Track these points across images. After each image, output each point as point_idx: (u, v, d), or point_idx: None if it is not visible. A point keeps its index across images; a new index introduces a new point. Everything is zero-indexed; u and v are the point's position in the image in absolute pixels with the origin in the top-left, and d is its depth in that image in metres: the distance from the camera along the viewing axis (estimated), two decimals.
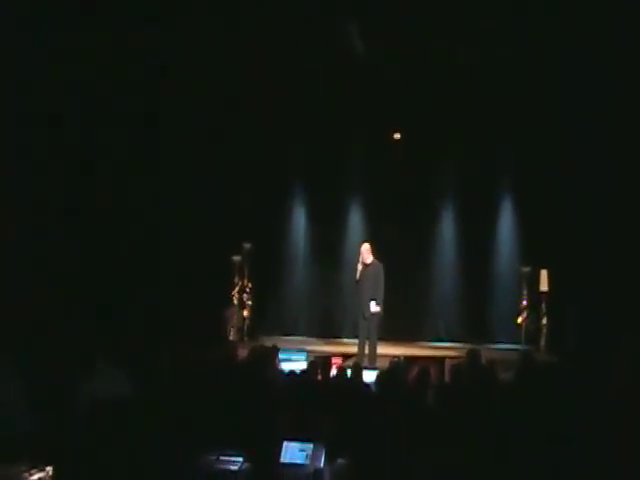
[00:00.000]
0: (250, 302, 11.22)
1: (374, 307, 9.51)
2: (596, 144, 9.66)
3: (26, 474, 2.94)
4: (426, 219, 11.80)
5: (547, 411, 4.44)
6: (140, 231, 9.69)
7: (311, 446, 4.19)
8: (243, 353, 7.24)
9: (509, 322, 11.09)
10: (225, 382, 5.45)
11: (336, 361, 7.81)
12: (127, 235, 9.48)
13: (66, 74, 8.58)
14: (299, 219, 12.05)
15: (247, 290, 11.19)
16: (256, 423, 4.53)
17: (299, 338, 11.29)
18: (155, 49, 9.51)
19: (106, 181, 9.34)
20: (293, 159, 11.71)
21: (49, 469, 3.10)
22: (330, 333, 11.47)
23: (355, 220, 11.96)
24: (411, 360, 8.21)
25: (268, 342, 8.73)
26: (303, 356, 8.48)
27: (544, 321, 10.69)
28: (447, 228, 11.85)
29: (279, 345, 7.74)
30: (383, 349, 9.78)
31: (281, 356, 7.45)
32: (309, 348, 9.69)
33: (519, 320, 10.92)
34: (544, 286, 10.66)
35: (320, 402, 5.20)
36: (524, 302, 10.92)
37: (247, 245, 11.06)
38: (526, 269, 10.95)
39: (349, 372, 6.70)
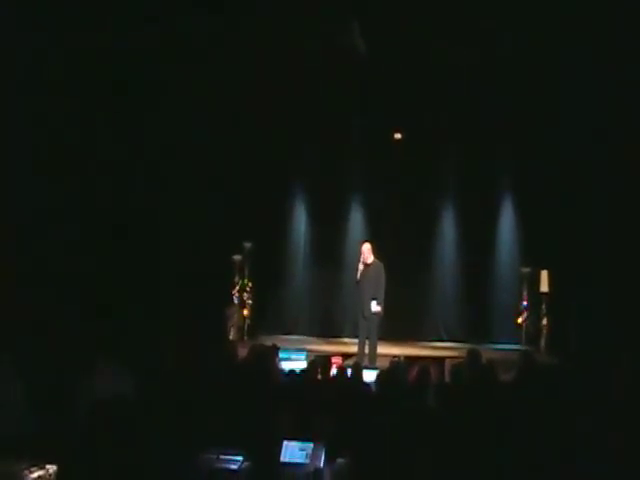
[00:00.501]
0: (250, 301, 11.22)
1: (375, 307, 9.51)
2: (596, 144, 9.66)
3: (26, 472, 2.94)
4: (427, 219, 11.80)
5: (547, 411, 4.44)
6: (140, 230, 9.69)
7: (311, 445, 4.19)
8: (243, 352, 7.24)
9: (509, 322, 11.11)
10: (225, 381, 5.45)
11: (336, 361, 7.81)
12: (127, 234, 9.47)
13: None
14: (300, 218, 12.05)
15: (247, 289, 11.19)
16: (256, 422, 4.52)
17: (299, 337, 11.29)
18: (153, 49, 9.50)
19: (106, 180, 9.34)
20: (294, 158, 11.70)
21: (49, 467, 3.10)
22: (330, 333, 11.47)
23: (356, 220, 11.97)
24: (411, 360, 8.20)
25: (268, 341, 8.72)
26: (303, 355, 8.48)
27: (544, 322, 10.69)
28: (448, 228, 11.86)
29: (279, 344, 7.74)
30: (383, 349, 9.79)
31: (281, 355, 7.45)
32: (309, 347, 9.70)
33: (519, 320, 10.94)
34: (544, 287, 10.67)
35: (320, 402, 5.20)
36: (524, 302, 10.94)
37: (248, 244, 11.07)
38: (526, 270, 10.96)
39: (349, 372, 6.70)
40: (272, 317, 11.60)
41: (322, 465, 4.08)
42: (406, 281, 11.18)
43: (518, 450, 3.89)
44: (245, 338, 10.95)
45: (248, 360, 6.54)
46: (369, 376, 6.45)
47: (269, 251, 11.46)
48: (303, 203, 12.01)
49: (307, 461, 4.11)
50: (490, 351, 9.64)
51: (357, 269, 9.70)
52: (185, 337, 7.76)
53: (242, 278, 11.13)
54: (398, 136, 11.48)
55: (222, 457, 4.03)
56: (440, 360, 9.04)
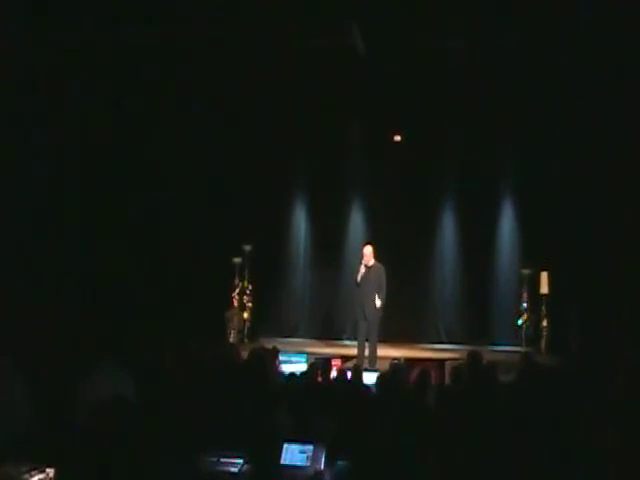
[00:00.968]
0: (250, 304, 11.21)
1: (378, 302, 9.50)
2: (597, 145, 9.66)
3: (26, 475, 2.93)
4: (427, 221, 11.79)
5: (548, 413, 4.43)
6: (141, 232, 9.69)
7: (311, 448, 4.18)
8: (243, 355, 7.23)
9: (509, 324, 11.09)
10: (225, 384, 5.44)
11: (336, 363, 7.81)
12: (128, 236, 9.48)
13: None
14: (299, 220, 12.04)
15: (247, 292, 11.19)
16: (256, 425, 4.52)
17: (299, 340, 11.28)
18: (155, 47, 9.50)
19: (106, 182, 9.34)
20: (293, 160, 11.70)
21: (49, 471, 3.10)
22: (330, 335, 11.46)
23: (356, 222, 11.96)
24: (412, 362, 8.21)
25: (268, 344, 8.71)
26: (303, 358, 8.48)
27: (544, 323, 10.68)
28: (448, 230, 11.84)
29: (279, 347, 7.74)
30: (383, 351, 9.78)
31: (281, 358, 7.45)
32: (309, 350, 9.69)
33: (519, 322, 10.92)
34: (544, 288, 10.66)
35: (320, 404, 5.20)
36: (524, 304, 10.93)
37: (247, 247, 11.06)
38: (526, 271, 10.95)
39: (349, 374, 6.69)
40: (272, 320, 11.58)
41: (323, 467, 4.07)
42: (406, 283, 11.17)
43: (519, 451, 3.89)
44: (245, 341, 10.94)
45: (248, 363, 6.53)
46: (369, 378, 6.45)
47: (269, 253, 11.46)
48: (303, 205, 12.00)
49: (308, 463, 4.10)
50: (490, 353, 9.62)
51: (358, 271, 9.69)
52: (185, 339, 7.76)
53: (242, 281, 11.12)
54: (398, 138, 11.47)
55: (222, 459, 4.03)
56: (440, 362, 9.04)
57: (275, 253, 11.74)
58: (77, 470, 2.99)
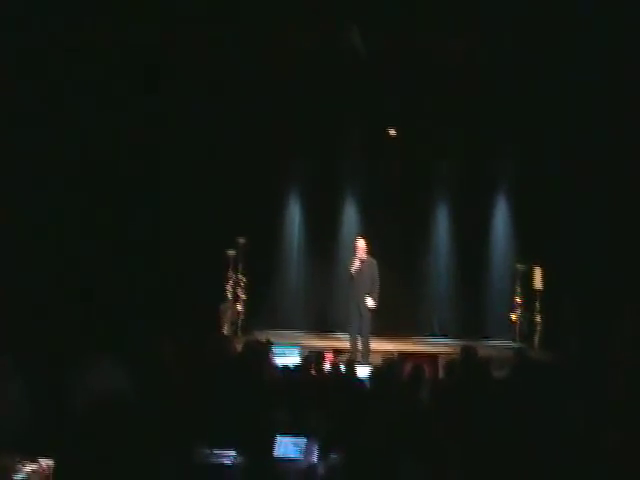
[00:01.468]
0: (244, 297, 11.21)
1: (370, 303, 9.52)
2: (593, 142, 9.67)
3: (19, 466, 2.93)
4: (421, 215, 11.79)
5: (541, 408, 4.44)
6: (135, 227, 9.67)
7: (305, 441, 4.19)
8: (237, 348, 7.22)
9: (503, 319, 11.12)
10: (219, 376, 5.44)
11: (328, 356, 7.81)
12: (123, 231, 9.46)
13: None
14: (293, 214, 12.02)
15: (241, 285, 11.18)
16: (250, 418, 4.52)
17: (292, 332, 11.28)
18: (153, 47, 9.48)
19: (104, 178, 9.33)
20: (288, 153, 11.67)
21: (43, 461, 3.09)
22: (323, 328, 11.47)
23: (349, 215, 11.95)
24: (405, 356, 8.22)
25: (262, 337, 8.71)
26: (297, 351, 8.48)
27: (538, 318, 10.71)
28: (442, 225, 11.85)
29: (273, 339, 7.73)
30: (377, 345, 9.79)
31: (275, 350, 7.44)
32: (302, 343, 9.70)
33: (513, 317, 10.95)
34: (538, 284, 10.69)
35: (314, 397, 5.20)
36: (518, 300, 10.95)
37: (241, 240, 11.05)
38: (521, 267, 10.98)
39: (342, 367, 6.69)
40: (266, 312, 11.58)
41: (316, 460, 4.08)
42: (400, 277, 11.19)
43: (511, 446, 3.89)
44: (239, 333, 10.94)
45: (242, 355, 6.53)
46: (363, 372, 6.46)
47: (263, 246, 11.45)
48: (297, 198, 11.98)
49: (301, 456, 4.11)
50: (484, 348, 9.63)
51: (352, 264, 9.69)
52: (180, 332, 7.75)
53: (236, 273, 11.12)
54: (393, 133, 11.46)
55: (215, 452, 4.03)
56: (434, 356, 9.06)
57: (269, 246, 11.73)
58: (76, 463, 2.99)
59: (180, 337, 6.68)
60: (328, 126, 11.32)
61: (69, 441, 3.10)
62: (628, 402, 4.29)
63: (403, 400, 5.15)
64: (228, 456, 4.01)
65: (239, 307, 11.15)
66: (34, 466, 3.00)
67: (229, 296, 11.01)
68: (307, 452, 4.13)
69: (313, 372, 6.44)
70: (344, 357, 8.25)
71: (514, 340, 10.79)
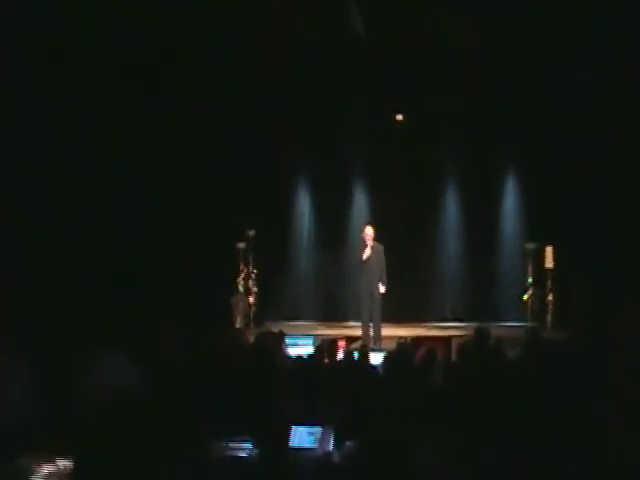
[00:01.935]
0: (255, 288, 11.24)
1: (382, 288, 9.55)
2: (600, 119, 9.61)
3: (36, 467, 2.94)
4: (430, 198, 11.79)
5: (554, 387, 4.44)
6: (145, 218, 9.68)
7: (320, 430, 4.20)
8: (250, 339, 7.25)
9: (515, 299, 11.10)
10: (233, 368, 5.46)
11: (341, 344, 7.82)
12: (131, 221, 9.47)
13: None
14: (302, 204, 12.03)
15: (252, 276, 11.20)
16: (264, 408, 4.53)
17: (305, 323, 11.30)
18: (152, 34, 9.47)
19: (106, 170, 9.34)
20: (295, 144, 11.64)
21: (60, 462, 3.10)
22: (334, 317, 11.48)
23: (359, 203, 11.94)
24: (418, 341, 8.22)
25: (274, 328, 8.74)
26: (310, 340, 8.49)
27: (550, 297, 10.68)
28: (451, 207, 11.83)
29: (285, 330, 7.75)
30: (390, 331, 9.81)
31: (288, 341, 7.46)
32: (315, 332, 9.72)
33: (525, 297, 10.92)
34: (549, 263, 10.65)
35: (328, 386, 5.22)
36: (529, 279, 10.92)
37: (251, 232, 11.06)
38: (531, 246, 10.94)
39: (356, 355, 6.70)
40: (278, 303, 11.60)
41: (331, 449, 4.09)
42: (410, 262, 11.20)
43: (525, 427, 3.89)
44: (251, 325, 10.97)
45: (255, 347, 6.56)
46: (376, 358, 6.46)
47: (273, 238, 11.46)
48: (305, 188, 11.99)
49: (316, 445, 4.12)
50: (496, 328, 9.61)
51: (362, 250, 9.69)
52: (191, 325, 7.78)
53: (247, 265, 11.14)
54: (399, 117, 11.42)
55: (231, 444, 4.05)
56: (447, 340, 9.05)
57: (279, 237, 11.74)
58: (93, 460, 3.01)
59: (191, 331, 6.71)
60: (334, 115, 11.29)
61: (84, 440, 3.13)
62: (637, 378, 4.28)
63: (417, 384, 5.15)
64: (243, 448, 4.03)
65: (251, 299, 11.18)
66: (52, 467, 3.00)
67: (240, 289, 11.04)
68: (322, 441, 4.14)
69: (326, 361, 6.46)
70: (357, 344, 8.26)
71: (526, 320, 10.77)
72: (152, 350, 5.47)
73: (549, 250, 10.64)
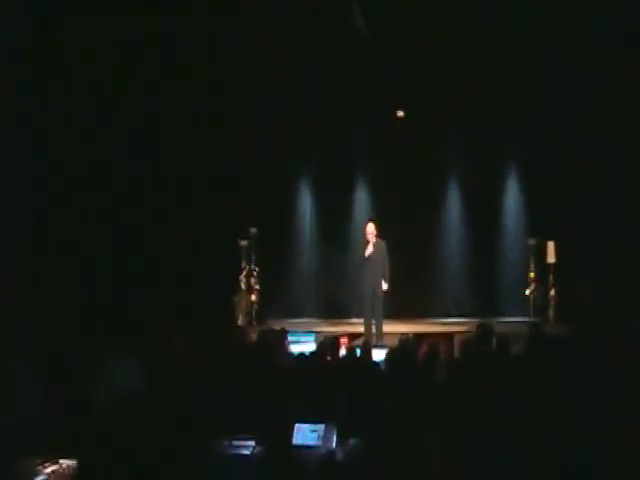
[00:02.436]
0: (258, 286, 11.24)
1: (385, 285, 9.57)
2: (601, 113, 9.60)
3: (40, 467, 2.96)
4: (432, 194, 11.77)
5: (556, 382, 4.44)
6: (146, 217, 9.68)
7: (323, 427, 4.21)
8: (252, 337, 7.25)
9: (517, 295, 11.10)
10: (235, 366, 5.47)
11: (343, 341, 7.82)
12: (133, 220, 9.48)
13: None
14: (304, 201, 12.02)
15: (254, 274, 11.21)
16: (267, 406, 4.54)
17: (307, 320, 11.30)
18: (155, 34, 9.47)
19: (107, 169, 9.34)
20: (297, 141, 11.63)
21: (63, 462, 3.12)
22: (337, 314, 11.47)
23: (361, 200, 11.94)
24: (420, 337, 8.21)
25: (277, 325, 8.74)
26: (312, 338, 8.49)
27: (552, 292, 10.68)
28: (453, 202, 11.83)
29: (287, 328, 7.75)
30: (392, 327, 9.80)
31: (290, 338, 7.46)
32: (317, 329, 9.72)
33: (527, 292, 10.92)
34: (551, 258, 10.65)
35: (330, 383, 5.22)
36: (532, 274, 10.92)
37: (253, 229, 11.07)
38: (533, 241, 10.93)
39: (358, 351, 6.70)
40: (280, 301, 11.60)
41: (334, 446, 4.10)
42: (413, 258, 11.17)
43: (529, 422, 3.90)
44: (254, 323, 10.98)
45: (257, 345, 6.56)
46: (378, 355, 6.46)
47: (275, 235, 11.45)
48: (307, 186, 11.98)
49: (319, 443, 4.13)
50: (499, 324, 9.62)
51: (365, 247, 9.68)
52: (194, 324, 7.79)
53: (249, 263, 11.14)
54: (401, 114, 11.41)
55: (234, 442, 4.05)
56: (449, 336, 9.05)
57: (281, 235, 11.73)
58: (98, 460, 3.01)
59: (194, 330, 6.72)
60: (336, 112, 11.28)
61: (89, 441, 3.13)
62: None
63: (419, 381, 5.15)
64: (247, 446, 4.03)
65: (253, 297, 11.18)
66: (55, 467, 3.02)
67: (243, 287, 11.04)
68: (325, 438, 4.15)
69: (329, 358, 6.45)
70: (359, 341, 8.25)
71: (528, 315, 10.76)
72: (157, 351, 5.48)
73: (551, 245, 10.64)
